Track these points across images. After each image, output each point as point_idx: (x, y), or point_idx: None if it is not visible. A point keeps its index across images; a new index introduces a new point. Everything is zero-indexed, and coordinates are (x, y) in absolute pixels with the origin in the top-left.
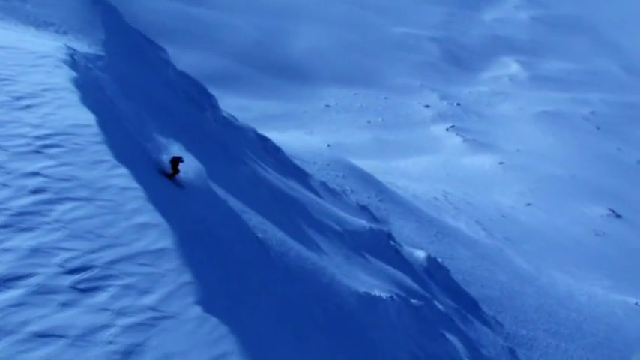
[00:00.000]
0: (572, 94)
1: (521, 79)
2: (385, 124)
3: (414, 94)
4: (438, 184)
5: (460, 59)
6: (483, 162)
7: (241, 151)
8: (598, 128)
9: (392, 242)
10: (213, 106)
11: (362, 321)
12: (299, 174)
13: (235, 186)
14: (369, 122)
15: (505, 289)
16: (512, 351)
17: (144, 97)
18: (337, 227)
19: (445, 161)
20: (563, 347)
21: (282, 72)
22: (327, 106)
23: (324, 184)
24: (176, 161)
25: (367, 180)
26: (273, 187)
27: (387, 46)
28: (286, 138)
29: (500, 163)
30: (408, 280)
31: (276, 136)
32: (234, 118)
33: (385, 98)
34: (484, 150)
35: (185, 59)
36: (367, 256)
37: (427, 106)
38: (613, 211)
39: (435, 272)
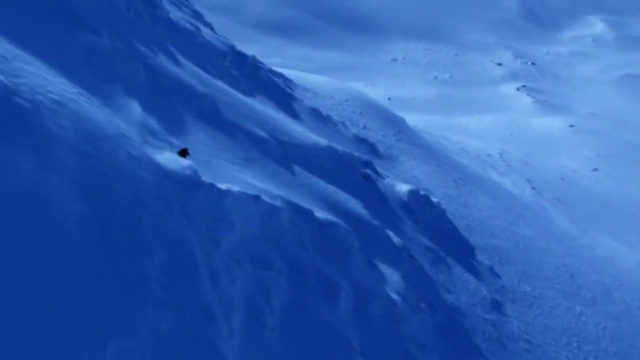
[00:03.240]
0: None
1: (607, 40)
2: (453, 80)
3: (487, 52)
4: (498, 143)
5: (540, 17)
6: (552, 124)
7: (123, 34)
8: None
9: (366, 170)
10: (152, 4)
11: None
12: (279, 94)
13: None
14: (435, 78)
15: (522, 242)
16: (496, 303)
17: None
18: (263, 134)
19: (511, 121)
20: (577, 310)
21: (350, 24)
22: (394, 60)
23: (314, 110)
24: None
25: (388, 119)
26: (158, 72)
27: (462, 1)
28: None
29: (571, 125)
30: (351, 204)
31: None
32: (196, 27)
33: (455, 55)
34: (555, 112)
35: (250, 7)
36: (297, 169)
37: (499, 65)
38: None
39: (417, 209)
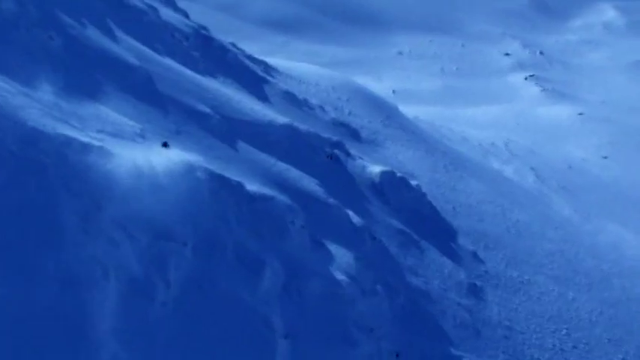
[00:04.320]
0: None
1: (618, 26)
2: (459, 72)
3: (494, 42)
4: (505, 132)
5: (549, 6)
6: (560, 112)
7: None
8: None
9: (334, 151)
10: None
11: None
12: (248, 77)
13: None
14: (441, 70)
15: (515, 228)
16: (475, 288)
17: None
18: (206, 109)
19: (518, 111)
20: (570, 296)
21: (355, 18)
22: (400, 53)
23: (287, 93)
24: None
25: (378, 106)
26: (81, 43)
27: None
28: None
29: (580, 114)
30: (304, 182)
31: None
32: (152, 7)
33: (462, 46)
34: (563, 100)
35: (253, 5)
36: (242, 144)
37: (507, 55)
38: None
39: (390, 191)
